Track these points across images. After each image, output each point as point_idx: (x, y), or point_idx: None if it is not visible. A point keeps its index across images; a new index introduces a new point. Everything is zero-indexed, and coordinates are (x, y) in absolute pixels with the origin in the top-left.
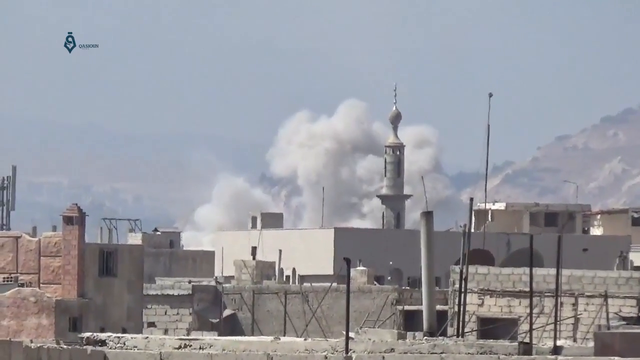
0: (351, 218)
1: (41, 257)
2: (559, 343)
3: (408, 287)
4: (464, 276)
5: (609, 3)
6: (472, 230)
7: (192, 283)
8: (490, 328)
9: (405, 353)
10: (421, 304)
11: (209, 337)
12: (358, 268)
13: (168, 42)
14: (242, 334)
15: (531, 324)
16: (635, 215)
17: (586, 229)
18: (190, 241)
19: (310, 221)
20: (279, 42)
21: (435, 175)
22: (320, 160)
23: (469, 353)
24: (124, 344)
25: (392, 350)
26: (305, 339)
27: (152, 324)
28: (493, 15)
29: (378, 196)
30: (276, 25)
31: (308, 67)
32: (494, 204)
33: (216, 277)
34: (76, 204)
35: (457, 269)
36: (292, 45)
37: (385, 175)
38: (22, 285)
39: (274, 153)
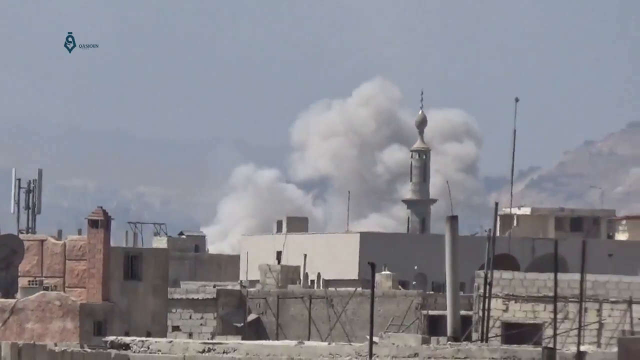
0: (375, 215)
1: (66, 261)
2: (582, 348)
3: (432, 292)
4: (488, 281)
5: (635, 8)
6: (497, 235)
7: (216, 287)
8: (515, 333)
9: (429, 358)
10: (445, 309)
11: (233, 341)
12: (383, 273)
13: (184, 47)
14: (266, 338)
15: (555, 329)
16: None
17: (611, 234)
18: (216, 237)
19: (337, 222)
20: (292, 34)
21: (467, 178)
22: (344, 155)
23: (492, 358)
24: (148, 347)
25: (416, 355)
26: (329, 344)
27: (176, 328)
28: (520, 20)
29: (403, 201)
30: (289, 20)
31: (323, 57)
32: (519, 209)
33: (241, 281)
34: (102, 208)
35: (481, 274)
36: (305, 38)
37: (410, 180)
38: (47, 288)
39: (296, 154)
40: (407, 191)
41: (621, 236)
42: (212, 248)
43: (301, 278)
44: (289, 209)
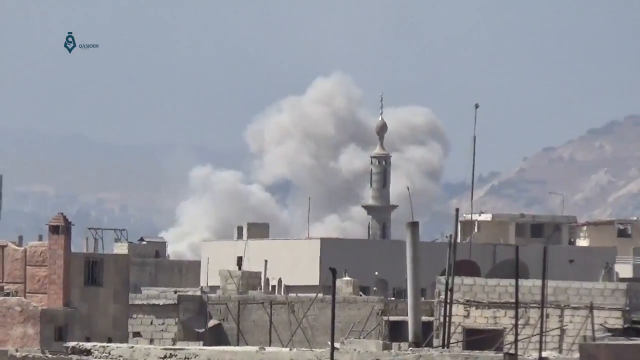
0: (335, 218)
1: (27, 267)
2: (544, 354)
3: (393, 298)
4: (449, 287)
5: (594, 17)
6: (458, 241)
7: (177, 293)
8: (476, 339)
9: None
10: (406, 315)
11: (194, 347)
12: (344, 278)
13: (139, 54)
14: (227, 344)
15: (516, 335)
16: (621, 227)
17: (572, 240)
18: (177, 240)
19: (299, 227)
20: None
21: (429, 184)
22: (302, 159)
23: None
24: (109, 353)
25: None
26: (290, 349)
27: (137, 334)
28: (480, 26)
29: (364, 206)
30: (260, 33)
31: (278, 56)
32: (480, 215)
33: (202, 287)
34: (62, 214)
35: (442, 279)
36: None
37: (371, 186)
38: (7, 294)
39: (256, 161)
40: (367, 197)
41: (582, 242)
42: (173, 249)
43: (262, 284)
44: (253, 212)
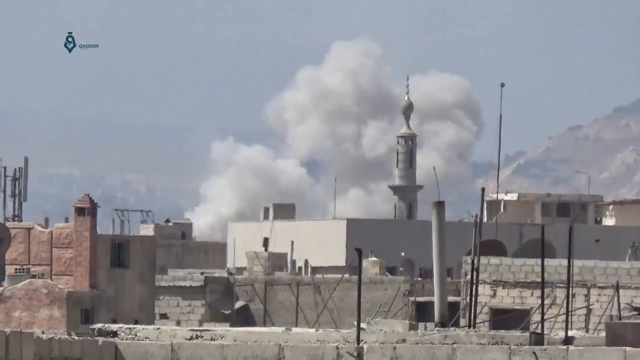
0: (362, 195)
1: (53, 249)
2: (570, 333)
3: (420, 278)
4: (475, 267)
5: None
6: (484, 220)
7: (204, 274)
8: (502, 319)
9: (416, 344)
10: (433, 295)
11: (221, 328)
12: (370, 259)
13: (172, 35)
14: (254, 325)
15: (543, 314)
16: None
17: (598, 219)
18: (202, 214)
19: (326, 206)
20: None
21: (457, 162)
22: (328, 136)
23: (480, 343)
24: (136, 335)
25: (404, 341)
26: (316, 330)
27: (164, 316)
28: (505, 4)
29: (390, 187)
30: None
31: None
32: (506, 195)
33: (228, 269)
34: (88, 195)
35: (469, 259)
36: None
37: (397, 166)
38: (34, 276)
39: (281, 143)
40: (393, 175)
41: (608, 221)
42: (199, 225)
43: (288, 265)
44: (279, 188)
